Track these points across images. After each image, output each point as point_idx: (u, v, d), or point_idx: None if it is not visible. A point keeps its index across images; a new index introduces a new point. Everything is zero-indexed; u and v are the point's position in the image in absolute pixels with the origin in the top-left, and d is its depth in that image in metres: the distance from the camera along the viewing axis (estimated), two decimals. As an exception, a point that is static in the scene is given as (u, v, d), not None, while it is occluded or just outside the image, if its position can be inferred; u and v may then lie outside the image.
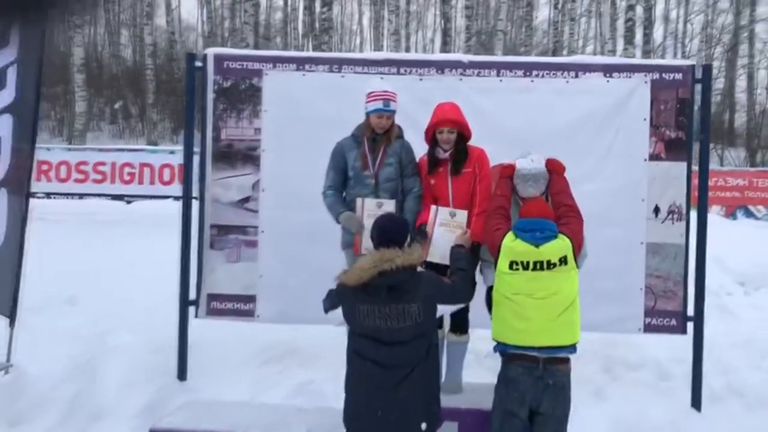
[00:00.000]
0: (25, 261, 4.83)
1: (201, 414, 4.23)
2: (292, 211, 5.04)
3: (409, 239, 3.50)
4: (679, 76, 4.98)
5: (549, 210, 3.61)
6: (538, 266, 3.38)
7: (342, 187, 4.32)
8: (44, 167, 13.70)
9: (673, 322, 5.03)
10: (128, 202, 13.49)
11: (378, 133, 4.23)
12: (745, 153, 24.83)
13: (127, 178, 13.82)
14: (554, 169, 3.93)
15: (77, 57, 19.00)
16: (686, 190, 5.01)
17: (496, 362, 3.69)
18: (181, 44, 29.83)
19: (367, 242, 4.04)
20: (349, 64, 5.12)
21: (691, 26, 31.36)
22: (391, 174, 4.24)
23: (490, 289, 3.85)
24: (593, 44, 31.55)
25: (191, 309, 5.17)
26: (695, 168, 5.09)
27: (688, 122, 5.01)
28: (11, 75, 4.90)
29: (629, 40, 20.44)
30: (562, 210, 3.66)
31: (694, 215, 5.05)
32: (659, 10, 29.20)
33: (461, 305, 3.67)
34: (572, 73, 5.01)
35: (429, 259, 3.92)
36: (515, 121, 4.92)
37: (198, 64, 5.19)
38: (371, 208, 4.10)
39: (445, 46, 25.34)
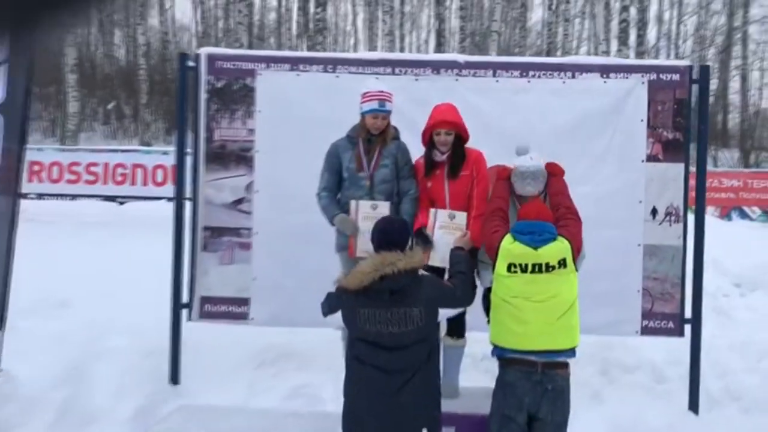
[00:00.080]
0: (15, 263, 4.75)
1: (194, 419, 4.18)
2: (286, 213, 4.98)
3: (411, 242, 3.44)
4: (676, 76, 4.95)
5: (548, 212, 3.56)
6: (536, 269, 3.33)
7: (336, 189, 4.27)
8: (36, 168, 13.57)
9: (671, 324, 5.00)
10: (121, 204, 13.38)
11: (373, 134, 4.17)
12: (739, 154, 24.89)
13: (119, 179, 13.70)
14: (553, 171, 3.88)
15: (70, 57, 18.88)
16: (684, 191, 4.98)
17: (493, 365, 3.65)
18: (175, 44, 29.69)
19: (362, 245, 3.99)
20: (343, 64, 5.06)
21: (685, 27, 31.43)
22: (387, 175, 4.18)
23: (487, 291, 3.81)
24: (587, 45, 31.57)
25: (184, 312, 5.11)
26: (692, 169, 5.06)
27: (685, 123, 4.97)
28: (1, 74, 4.83)
29: (623, 41, 20.43)
30: (560, 212, 3.62)
31: (691, 217, 5.02)
32: (653, 11, 29.20)
33: (462, 309, 3.62)
34: (569, 74, 4.97)
35: (429, 263, 3.87)
36: (511, 122, 4.88)
37: (190, 63, 5.13)
38: (366, 210, 4.05)
39: (440, 47, 25.32)
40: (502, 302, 3.40)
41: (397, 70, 5.00)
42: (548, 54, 23.41)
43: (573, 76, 4.97)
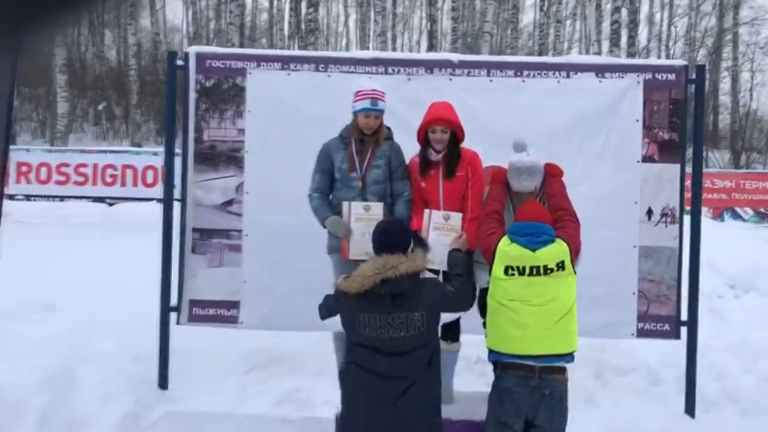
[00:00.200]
0: (1, 265, 4.65)
1: (182, 425, 4.11)
2: (276, 215, 4.90)
3: (412, 245, 3.35)
4: (672, 76, 4.91)
5: (545, 213, 3.49)
6: (534, 271, 3.25)
7: (328, 190, 4.18)
8: (24, 169, 13.46)
9: (667, 327, 4.95)
10: (110, 205, 13.27)
11: (366, 134, 4.09)
12: (730, 155, 24.99)
13: (109, 180, 13.59)
14: (552, 172, 3.82)
15: (59, 57, 18.72)
16: (680, 192, 4.93)
17: (487, 368, 3.58)
18: (166, 45, 29.55)
19: (355, 247, 3.92)
20: (335, 63, 4.99)
21: (675, 29, 31.59)
22: (379, 176, 4.10)
23: (482, 292, 3.73)
24: (578, 47, 31.66)
25: (173, 315, 5.02)
26: (688, 170, 5.02)
27: (681, 123, 4.93)
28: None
29: (615, 42, 20.45)
30: (558, 213, 3.55)
31: (686, 218, 4.98)
32: (643, 12, 29.33)
33: (462, 312, 3.54)
34: (564, 73, 4.92)
35: (427, 266, 3.79)
36: (505, 122, 4.81)
37: (179, 62, 5.04)
38: (358, 212, 3.97)
39: (432, 49, 25.35)
40: (499, 306, 3.32)
41: (389, 70, 4.93)
42: (540, 55, 23.44)
43: (568, 76, 4.92)
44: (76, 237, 9.35)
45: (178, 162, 5.09)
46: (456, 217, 3.94)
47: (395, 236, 3.25)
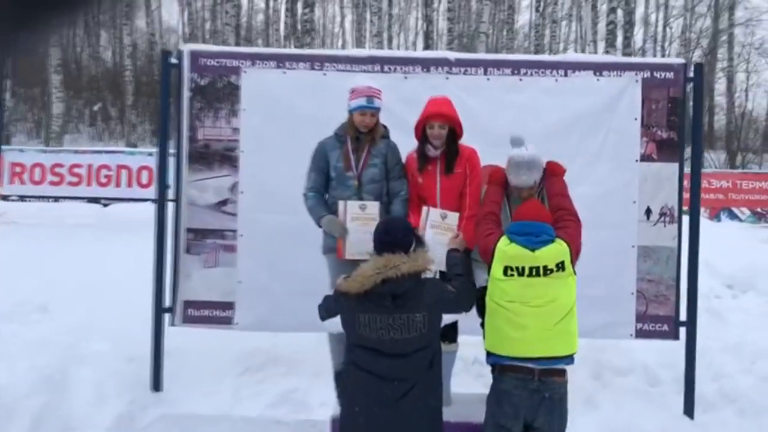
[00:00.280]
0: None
1: (176, 428, 4.09)
2: (272, 214, 4.84)
3: (414, 244, 3.30)
4: (670, 74, 4.87)
5: (545, 212, 3.44)
6: (533, 272, 3.19)
7: (324, 189, 4.13)
8: (18, 169, 13.39)
9: (665, 327, 4.92)
10: (105, 205, 13.20)
11: (362, 132, 4.04)
12: (725, 155, 25.04)
13: (103, 180, 13.53)
14: (554, 170, 3.77)
15: (54, 57, 18.63)
16: (678, 191, 4.89)
17: (484, 369, 3.54)
18: (162, 46, 29.43)
19: (351, 247, 3.87)
20: (331, 61, 4.93)
21: (671, 30, 31.64)
22: (376, 175, 4.05)
23: (481, 292, 3.67)
24: (574, 47, 31.71)
25: (166, 316, 4.97)
26: (686, 170, 4.99)
27: (679, 122, 4.89)
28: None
29: (611, 42, 20.50)
30: (559, 213, 3.50)
31: (684, 218, 4.95)
32: (639, 13, 29.39)
33: (463, 313, 3.48)
34: (561, 72, 4.88)
35: (429, 266, 3.73)
36: (503, 121, 4.75)
37: (173, 61, 4.99)
38: (354, 211, 3.92)
39: (428, 49, 25.29)
40: (497, 307, 3.26)
41: (386, 68, 4.88)
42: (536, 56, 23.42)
43: (566, 75, 4.88)
44: (70, 238, 9.29)
45: (172, 162, 5.04)
46: (453, 217, 3.89)
47: (398, 235, 3.21)
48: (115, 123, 26.07)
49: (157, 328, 4.94)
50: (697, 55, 28.31)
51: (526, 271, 3.20)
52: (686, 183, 5.00)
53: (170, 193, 5.05)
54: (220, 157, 4.96)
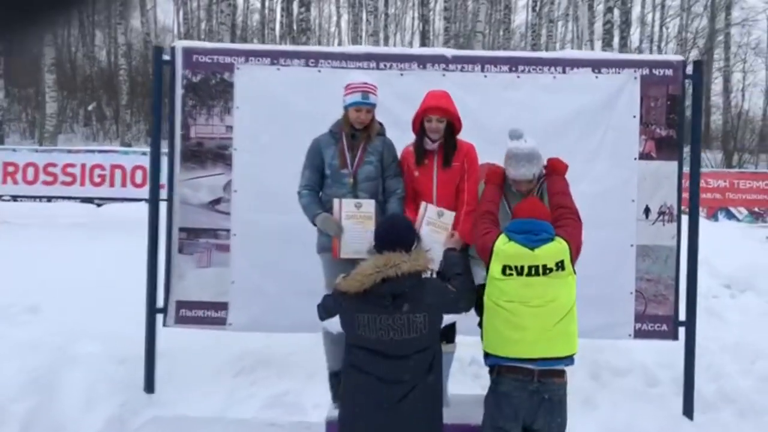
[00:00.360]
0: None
1: (169, 431, 4.00)
2: (266, 213, 4.78)
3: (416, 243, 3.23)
4: (669, 71, 4.82)
5: (545, 209, 3.37)
6: (533, 271, 3.13)
7: (318, 187, 4.05)
8: (10, 169, 13.29)
9: (664, 327, 4.87)
10: (99, 205, 13.11)
11: (357, 129, 3.97)
12: (722, 155, 25.09)
13: (97, 180, 13.43)
14: (555, 168, 3.70)
15: (48, 57, 18.53)
16: (677, 190, 4.84)
17: (482, 370, 3.48)
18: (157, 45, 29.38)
19: (346, 246, 3.81)
20: (326, 58, 4.86)
21: (667, 30, 31.69)
22: (371, 173, 3.98)
23: (479, 290, 3.59)
24: (570, 47, 31.67)
25: (159, 317, 4.90)
26: (686, 170, 4.93)
27: (678, 120, 4.84)
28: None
29: (608, 42, 20.48)
30: (560, 212, 3.43)
31: (683, 217, 4.90)
32: (635, 13, 29.42)
33: (463, 314, 3.38)
34: (559, 69, 4.82)
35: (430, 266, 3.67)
36: (500, 119, 4.69)
37: (166, 57, 4.91)
38: (350, 209, 3.84)
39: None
40: (496, 307, 3.20)
41: (381, 65, 4.83)
42: (532, 56, 23.39)
43: (564, 72, 4.83)
44: (63, 238, 9.20)
45: (166, 161, 4.96)
46: (449, 216, 3.84)
47: (400, 233, 3.15)
48: (109, 123, 25.99)
49: (149, 328, 4.87)
50: (693, 55, 28.34)
51: (525, 270, 3.14)
52: (684, 182, 4.95)
53: (165, 193, 4.99)
54: (213, 155, 4.90)
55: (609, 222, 4.75)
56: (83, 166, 13.43)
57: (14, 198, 13.28)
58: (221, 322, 4.87)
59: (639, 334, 4.87)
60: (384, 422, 2.98)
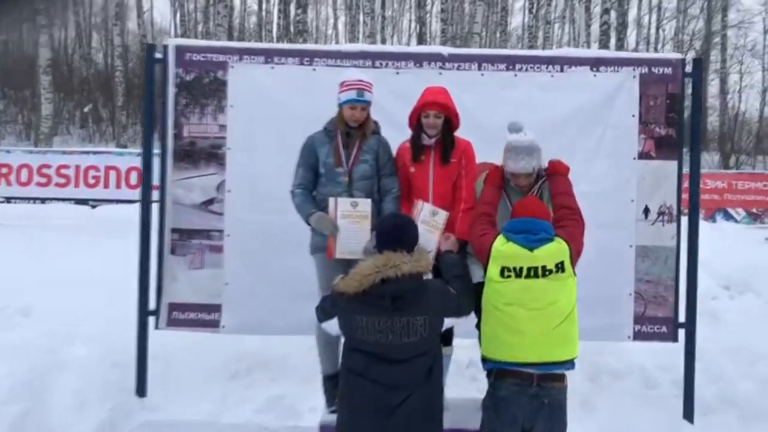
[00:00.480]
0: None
1: (160, 435, 3.93)
2: (260, 214, 4.72)
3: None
4: (668, 70, 4.78)
5: (544, 208, 3.31)
6: (532, 273, 3.06)
7: (312, 186, 3.99)
8: (4, 170, 13.21)
9: (664, 329, 4.83)
10: (93, 207, 13.03)
11: (352, 127, 3.91)
12: (719, 157, 25.13)
13: (91, 181, 13.35)
14: (557, 169, 3.65)
15: (43, 58, 18.45)
16: (677, 190, 4.79)
17: (479, 372, 3.42)
18: (153, 47, 29.34)
19: (341, 246, 3.75)
20: (321, 56, 4.81)
21: (663, 32, 31.76)
22: (367, 171, 3.92)
23: (477, 289, 3.52)
24: (568, 49, 31.67)
25: (151, 320, 4.84)
26: (685, 170, 4.88)
27: (678, 119, 4.79)
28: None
29: (604, 44, 20.49)
30: (562, 212, 3.37)
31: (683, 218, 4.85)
32: (632, 15, 29.50)
33: (463, 318, 3.28)
34: (557, 67, 4.78)
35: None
36: (497, 118, 4.61)
37: (158, 55, 4.85)
38: (345, 208, 3.78)
39: (421, 50, 25.16)
40: (494, 310, 3.13)
41: (377, 63, 4.78)
42: (529, 57, 23.40)
43: (562, 70, 4.78)
44: (57, 240, 9.15)
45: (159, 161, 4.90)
46: (442, 216, 3.79)
47: (402, 233, 3.07)
48: (106, 125, 25.95)
49: (141, 331, 4.80)
50: (689, 57, 28.43)
51: (524, 272, 3.07)
52: (683, 182, 4.90)
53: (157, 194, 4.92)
54: (206, 154, 4.84)
55: (608, 222, 4.68)
56: (77, 167, 13.35)
57: (8, 200, 13.20)
58: (214, 324, 4.80)
59: (638, 335, 4.82)
60: (382, 428, 2.91)
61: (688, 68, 4.86)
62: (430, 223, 3.75)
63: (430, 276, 3.18)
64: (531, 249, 3.09)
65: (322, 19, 37.10)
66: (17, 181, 13.30)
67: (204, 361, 5.23)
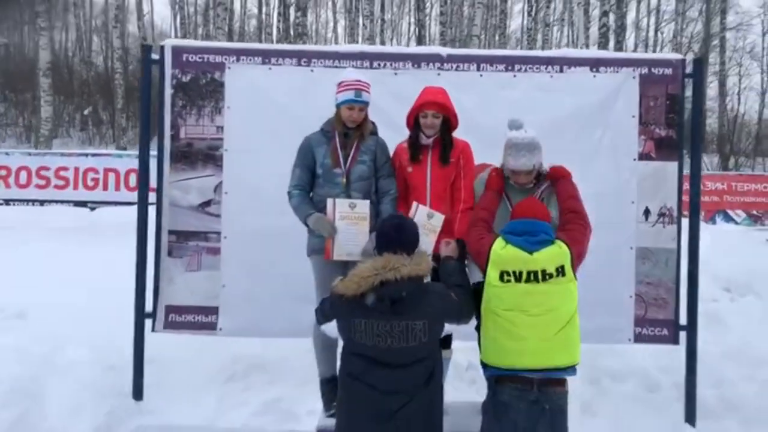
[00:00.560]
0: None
1: (156, 439, 3.88)
2: (257, 216, 4.68)
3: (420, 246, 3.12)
4: (668, 70, 4.75)
5: (544, 209, 3.27)
6: (532, 277, 3.01)
7: (309, 187, 3.95)
8: (2, 173, 13.17)
9: (665, 331, 4.78)
10: (92, 209, 12.98)
11: (350, 127, 3.88)
12: (718, 159, 25.09)
13: (90, 183, 13.30)
14: (560, 174, 3.62)
15: (43, 61, 18.41)
16: (678, 191, 4.76)
17: (478, 375, 3.37)
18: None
19: (339, 248, 3.71)
20: (318, 57, 4.77)
21: (662, 34, 31.74)
22: (364, 172, 3.89)
23: (476, 290, 3.48)
24: (567, 52, 31.61)
25: (148, 322, 4.79)
26: (685, 171, 4.85)
27: (678, 119, 4.75)
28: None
29: (603, 46, 20.44)
30: (569, 216, 3.34)
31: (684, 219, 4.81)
32: (630, 18, 29.48)
33: (464, 323, 3.23)
34: (557, 68, 4.74)
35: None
36: (496, 119, 4.57)
37: (155, 56, 4.81)
38: (344, 209, 3.74)
39: (420, 53, 25.14)
40: (494, 316, 3.08)
41: (375, 64, 4.74)
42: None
43: (561, 71, 4.74)
44: (55, 242, 9.09)
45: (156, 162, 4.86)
46: (438, 219, 3.75)
47: (403, 234, 3.02)
48: (106, 127, 25.90)
49: (138, 334, 4.76)
50: (690, 58, 28.42)
51: (524, 276, 3.02)
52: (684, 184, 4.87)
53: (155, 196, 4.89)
54: (203, 156, 4.81)
55: (608, 224, 4.62)
56: (76, 169, 13.31)
57: (6, 202, 13.16)
58: (211, 326, 4.76)
59: (639, 338, 4.78)
60: None
61: (689, 69, 4.83)
62: (427, 225, 3.70)
63: (429, 279, 3.14)
64: (530, 252, 3.05)
65: (321, 22, 37.14)
66: (16, 183, 13.27)
67: (201, 364, 5.19)
